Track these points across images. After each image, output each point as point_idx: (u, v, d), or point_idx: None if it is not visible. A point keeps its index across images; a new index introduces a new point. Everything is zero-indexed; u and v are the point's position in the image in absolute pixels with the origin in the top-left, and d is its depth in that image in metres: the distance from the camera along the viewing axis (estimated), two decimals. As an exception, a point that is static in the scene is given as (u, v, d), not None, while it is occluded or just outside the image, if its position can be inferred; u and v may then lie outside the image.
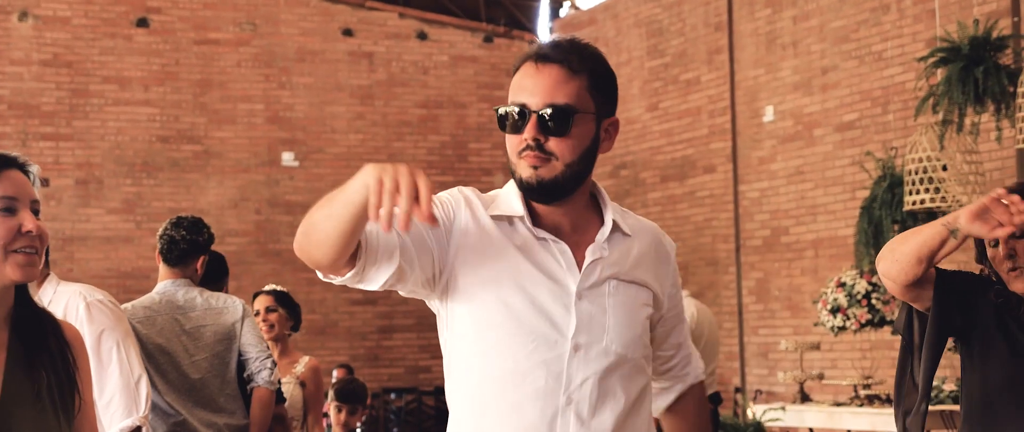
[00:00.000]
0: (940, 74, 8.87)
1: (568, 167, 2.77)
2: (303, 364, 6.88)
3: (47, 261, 4.91)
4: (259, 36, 15.24)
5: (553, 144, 2.76)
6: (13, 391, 2.57)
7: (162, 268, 5.79)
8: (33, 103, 14.27)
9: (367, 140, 15.67)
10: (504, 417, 2.76)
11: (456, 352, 2.83)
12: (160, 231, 5.77)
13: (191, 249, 5.76)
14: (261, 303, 6.83)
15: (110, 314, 4.79)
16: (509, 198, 2.84)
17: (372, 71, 15.77)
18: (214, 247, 5.98)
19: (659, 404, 3.12)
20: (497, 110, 2.80)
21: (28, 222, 2.60)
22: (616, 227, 2.87)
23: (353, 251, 2.57)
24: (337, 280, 2.67)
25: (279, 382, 5.94)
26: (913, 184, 8.63)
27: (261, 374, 5.74)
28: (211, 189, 14.83)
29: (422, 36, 16.03)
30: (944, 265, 3.81)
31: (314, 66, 15.47)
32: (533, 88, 2.78)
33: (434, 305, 2.87)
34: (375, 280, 2.66)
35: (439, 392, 14.98)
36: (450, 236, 2.77)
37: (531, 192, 2.77)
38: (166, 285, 5.73)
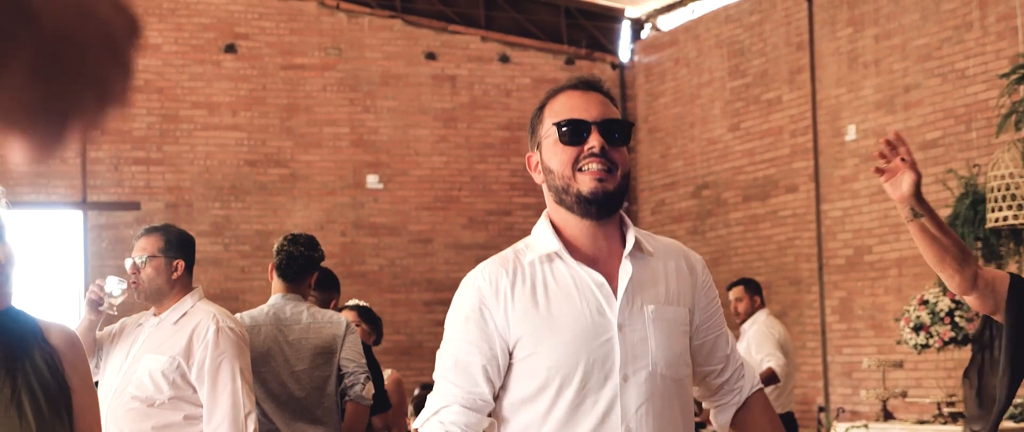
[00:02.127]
0: (1022, 91, 8.83)
1: (624, 179, 2.91)
2: (386, 377, 7.00)
3: (190, 272, 5.07)
4: (344, 61, 15.44)
5: (615, 154, 2.88)
6: None
7: (276, 282, 5.94)
8: (125, 128, 14.56)
9: (450, 162, 15.81)
10: None
11: (507, 403, 2.91)
12: (277, 247, 5.92)
13: (307, 265, 5.93)
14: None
15: (236, 343, 4.91)
16: (543, 236, 2.94)
17: (455, 94, 15.92)
18: None
19: (722, 421, 3.15)
20: (558, 124, 2.90)
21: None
22: (639, 247, 2.94)
23: None
24: None
25: (372, 398, 6.07)
26: (996, 201, 8.59)
27: (354, 388, 5.86)
28: (297, 212, 15.03)
29: (504, 59, 16.15)
30: None
31: (398, 90, 15.64)
32: (586, 107, 2.92)
33: None
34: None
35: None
36: (502, 344, 2.88)
37: (592, 204, 2.86)
38: (277, 298, 5.88)
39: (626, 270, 2.89)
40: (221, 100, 14.93)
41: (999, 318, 3.80)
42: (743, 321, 9.81)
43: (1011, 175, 8.50)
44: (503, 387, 2.91)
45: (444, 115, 15.82)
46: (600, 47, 16.57)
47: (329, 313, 6.00)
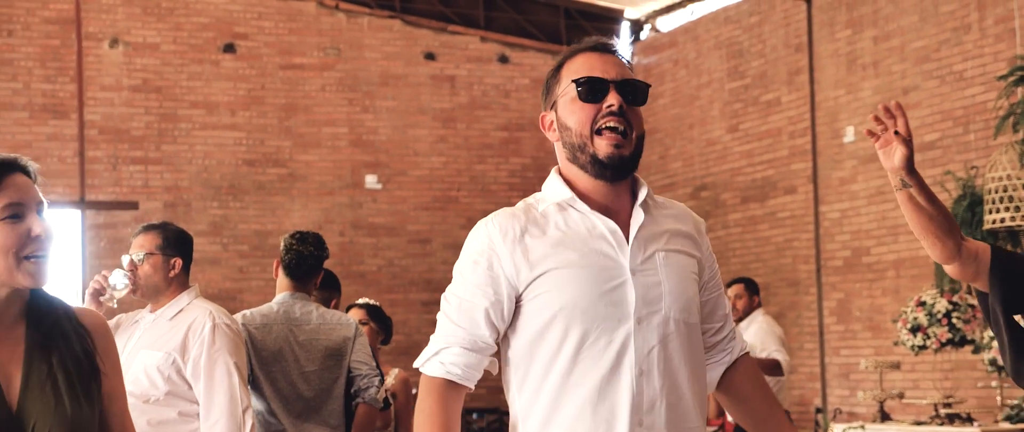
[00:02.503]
0: (1020, 93, 8.85)
1: (639, 141, 2.96)
2: (393, 376, 7.01)
3: (188, 270, 5.10)
4: (343, 61, 15.45)
5: (632, 114, 2.94)
6: (33, 381, 2.59)
7: (283, 280, 5.93)
8: (123, 128, 14.57)
9: (449, 162, 15.82)
10: (582, 397, 2.88)
11: (517, 343, 2.96)
12: (285, 245, 5.92)
13: (315, 264, 5.95)
14: (353, 316, 6.97)
15: (232, 340, 4.93)
16: (555, 187, 3.01)
17: (454, 94, 15.93)
18: None
19: (712, 376, 3.19)
20: (576, 82, 2.94)
21: (36, 226, 2.61)
22: (649, 200, 3.02)
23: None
24: None
25: (383, 401, 6.08)
26: (993, 203, 8.60)
27: (368, 391, 5.87)
28: (296, 211, 15.04)
29: (503, 59, 16.16)
30: None
31: (397, 90, 15.65)
32: (605, 67, 2.97)
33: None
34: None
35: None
36: (505, 288, 2.93)
37: (607, 169, 2.93)
38: (285, 297, 5.88)
39: (637, 218, 2.96)
40: (220, 100, 14.93)
41: (979, 284, 3.82)
42: (740, 319, 9.82)
43: (1009, 177, 8.51)
44: (512, 328, 2.95)
45: (443, 115, 15.83)
46: (599, 48, 16.54)
47: (338, 314, 6.01)
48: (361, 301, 7.18)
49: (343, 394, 5.86)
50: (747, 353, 3.24)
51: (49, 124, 14.35)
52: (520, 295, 2.92)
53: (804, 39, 13.59)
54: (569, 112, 2.97)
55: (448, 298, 2.99)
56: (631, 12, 16.54)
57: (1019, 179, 8.48)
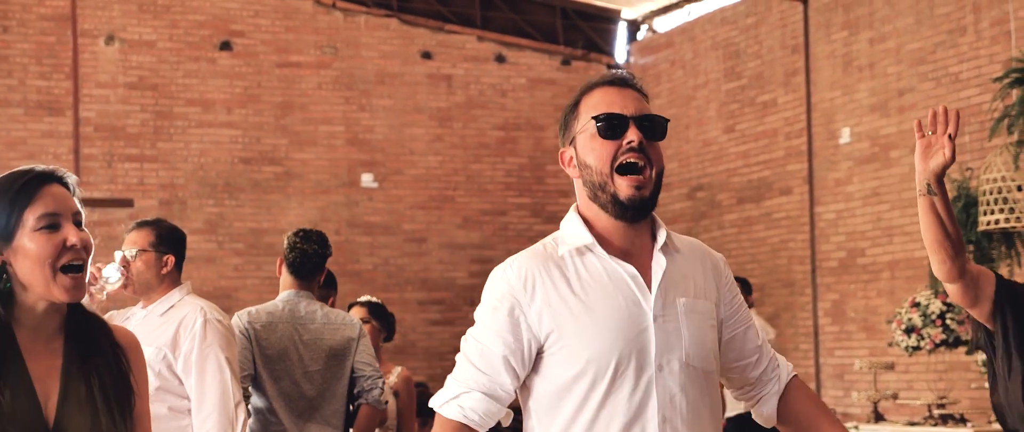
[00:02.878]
0: (1015, 95, 8.86)
1: (658, 178, 2.94)
2: (396, 374, 7.00)
3: (180, 267, 5.10)
4: (339, 59, 15.45)
5: (652, 150, 2.92)
6: (70, 396, 2.59)
7: (287, 278, 5.91)
8: (119, 125, 14.56)
9: (445, 162, 15.81)
10: None
11: (542, 393, 2.93)
12: (289, 243, 5.89)
13: (319, 262, 5.94)
14: (355, 314, 6.97)
15: (223, 335, 4.92)
16: (575, 230, 2.96)
17: (451, 94, 15.92)
18: None
19: (767, 412, 3.14)
20: (596, 118, 2.92)
21: (71, 236, 2.62)
22: (668, 243, 2.98)
23: None
24: None
25: (385, 403, 6.07)
26: (988, 204, 8.61)
27: (372, 393, 5.87)
28: (292, 210, 15.03)
29: (500, 59, 16.16)
30: None
31: (393, 89, 15.64)
32: (624, 102, 2.94)
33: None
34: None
35: (514, 410, 15.03)
36: (529, 337, 2.90)
37: (627, 210, 2.90)
38: (289, 295, 5.87)
39: (659, 263, 2.93)
40: (216, 97, 14.93)
41: (976, 314, 3.83)
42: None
43: (1003, 178, 8.52)
44: (538, 375, 2.92)
45: (439, 114, 15.83)
46: (596, 48, 16.58)
47: (342, 314, 6.00)
48: (363, 299, 7.17)
49: (346, 394, 5.86)
50: (796, 377, 3.18)
51: (44, 121, 14.34)
52: (542, 346, 2.89)
53: (800, 40, 13.60)
54: (589, 149, 2.93)
55: (469, 341, 2.97)
56: (628, 12, 16.55)
57: (1014, 181, 8.49)
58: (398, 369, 7.09)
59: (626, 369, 2.83)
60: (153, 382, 4.81)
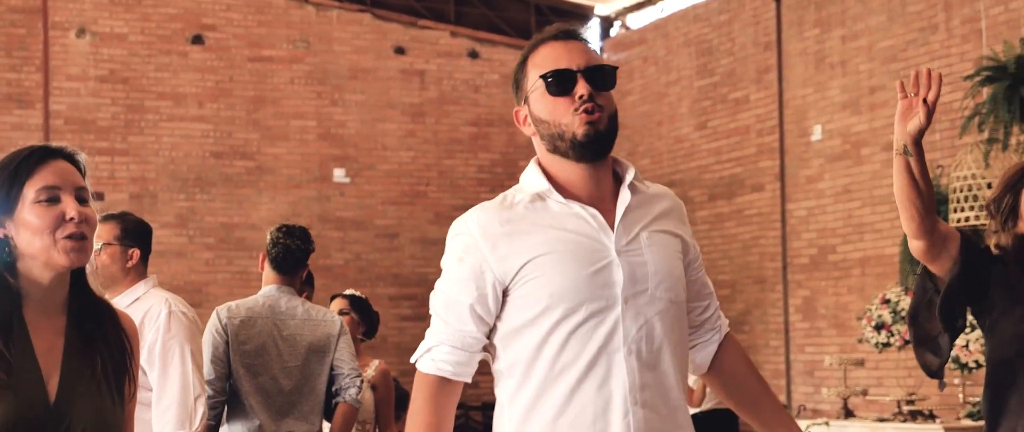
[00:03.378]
0: (986, 93, 8.90)
1: (611, 120, 2.97)
2: (374, 368, 6.99)
3: (146, 261, 5.07)
4: (312, 54, 15.42)
5: (602, 99, 2.96)
6: (72, 375, 2.61)
7: (270, 274, 5.91)
8: (89, 118, 14.49)
9: (418, 157, 15.80)
10: (574, 377, 2.89)
11: (505, 333, 2.97)
12: (271, 239, 5.89)
13: (302, 257, 5.94)
14: (335, 306, 6.96)
15: (188, 328, 4.90)
16: (532, 178, 3.02)
17: (423, 89, 15.91)
18: None
19: (702, 358, 3.20)
20: (544, 77, 2.96)
21: (71, 209, 2.62)
22: (635, 182, 3.03)
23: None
24: None
25: (360, 403, 6.07)
26: (958, 202, 8.65)
27: (349, 391, 5.86)
28: (263, 205, 15.00)
29: (473, 54, 16.16)
30: None
31: (366, 84, 15.62)
32: (570, 56, 2.97)
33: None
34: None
35: (486, 407, 15.05)
36: (491, 282, 2.94)
37: (587, 146, 2.93)
38: (271, 290, 5.87)
39: (623, 198, 2.97)
40: (187, 91, 14.88)
41: (934, 268, 3.88)
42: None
43: (973, 176, 8.56)
44: (500, 317, 2.96)
45: (412, 110, 15.82)
46: (568, 44, 16.56)
47: (323, 310, 6.00)
48: (347, 292, 7.16)
49: (324, 391, 5.85)
50: (730, 333, 3.24)
51: (14, 114, 14.27)
52: (507, 287, 2.93)
53: (773, 38, 13.64)
54: (541, 106, 2.98)
55: (436, 294, 3.02)
56: (601, 8, 16.56)
57: (984, 179, 8.53)
58: (376, 362, 7.08)
59: (590, 304, 2.87)
60: None
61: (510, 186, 3.10)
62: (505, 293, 2.94)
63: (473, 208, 3.03)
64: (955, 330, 3.93)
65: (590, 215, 2.94)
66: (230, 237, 14.61)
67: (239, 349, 5.63)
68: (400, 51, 15.80)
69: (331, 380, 5.88)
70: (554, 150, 2.98)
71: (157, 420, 4.80)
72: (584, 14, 16.61)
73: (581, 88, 2.93)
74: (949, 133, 11.25)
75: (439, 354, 2.97)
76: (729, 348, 3.20)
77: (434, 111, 15.92)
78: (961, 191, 8.62)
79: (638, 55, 15.72)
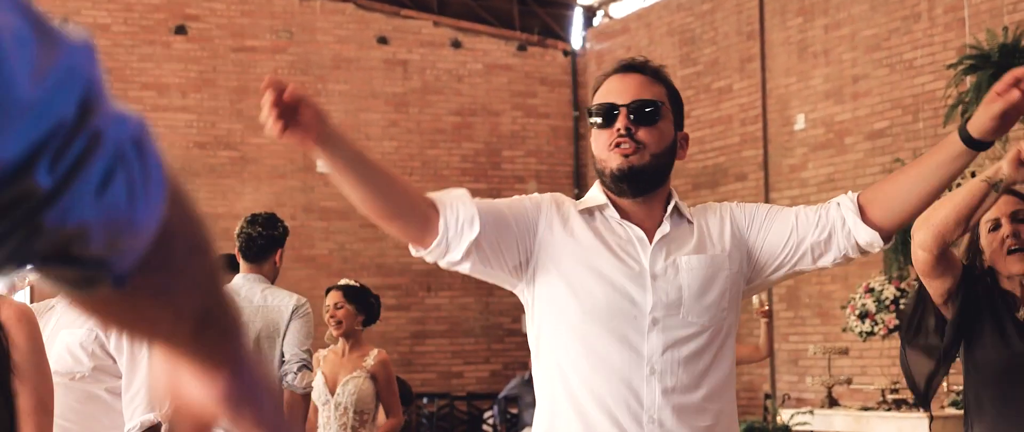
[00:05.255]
0: (969, 82, 8.92)
1: (654, 157, 3.01)
2: (373, 357, 6.92)
3: None
4: (295, 43, 15.39)
5: (643, 134, 3.00)
6: None
7: (241, 264, 5.94)
8: (72, 109, 14.44)
9: (401, 147, 15.79)
10: (592, 390, 2.94)
11: (541, 337, 3.04)
12: (237, 229, 5.93)
13: (268, 244, 5.95)
14: (330, 299, 6.92)
15: None
16: (594, 193, 3.10)
17: (407, 79, 15.90)
18: None
19: (863, 237, 3.01)
20: (589, 110, 3.06)
21: None
22: (678, 212, 3.08)
23: (434, 222, 2.86)
24: (427, 255, 2.92)
25: (309, 387, 6.03)
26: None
27: (286, 377, 5.84)
28: (247, 194, 14.98)
29: (456, 44, 16.15)
30: None
31: (349, 73, 15.61)
32: (620, 91, 3.04)
33: (523, 296, 3.08)
34: (458, 248, 2.88)
35: (471, 397, 15.06)
36: (536, 228, 3.00)
37: (622, 181, 2.99)
38: (238, 279, 5.90)
39: (664, 228, 3.03)
40: (171, 81, 14.85)
41: (932, 287, 3.90)
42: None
43: (957, 165, 8.58)
44: (533, 320, 3.05)
45: (395, 100, 15.81)
46: (552, 34, 16.59)
47: (284, 296, 5.98)
48: (342, 282, 7.11)
49: (277, 378, 5.83)
50: (857, 195, 3.04)
51: (-3, 105, 14.21)
52: (535, 267, 3.00)
53: (756, 27, 13.66)
54: (593, 140, 3.09)
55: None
56: (584, -2, 16.57)
57: (968, 168, 8.54)
58: (375, 352, 6.99)
59: (618, 319, 2.93)
60: (88, 363, 4.74)
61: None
62: (537, 273, 3.00)
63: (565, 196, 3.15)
64: (951, 359, 3.97)
65: (637, 238, 3.01)
66: (214, 227, 14.31)
67: None
68: (383, 41, 15.78)
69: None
70: (603, 186, 3.08)
71: (127, 406, 4.77)
72: (567, 4, 16.61)
73: (619, 122, 3.00)
74: (933, 122, 11.28)
75: (462, 194, 2.97)
76: (868, 202, 3.00)
77: (417, 101, 15.91)
78: (944, 180, 8.64)
79: (621, 44, 15.72)
